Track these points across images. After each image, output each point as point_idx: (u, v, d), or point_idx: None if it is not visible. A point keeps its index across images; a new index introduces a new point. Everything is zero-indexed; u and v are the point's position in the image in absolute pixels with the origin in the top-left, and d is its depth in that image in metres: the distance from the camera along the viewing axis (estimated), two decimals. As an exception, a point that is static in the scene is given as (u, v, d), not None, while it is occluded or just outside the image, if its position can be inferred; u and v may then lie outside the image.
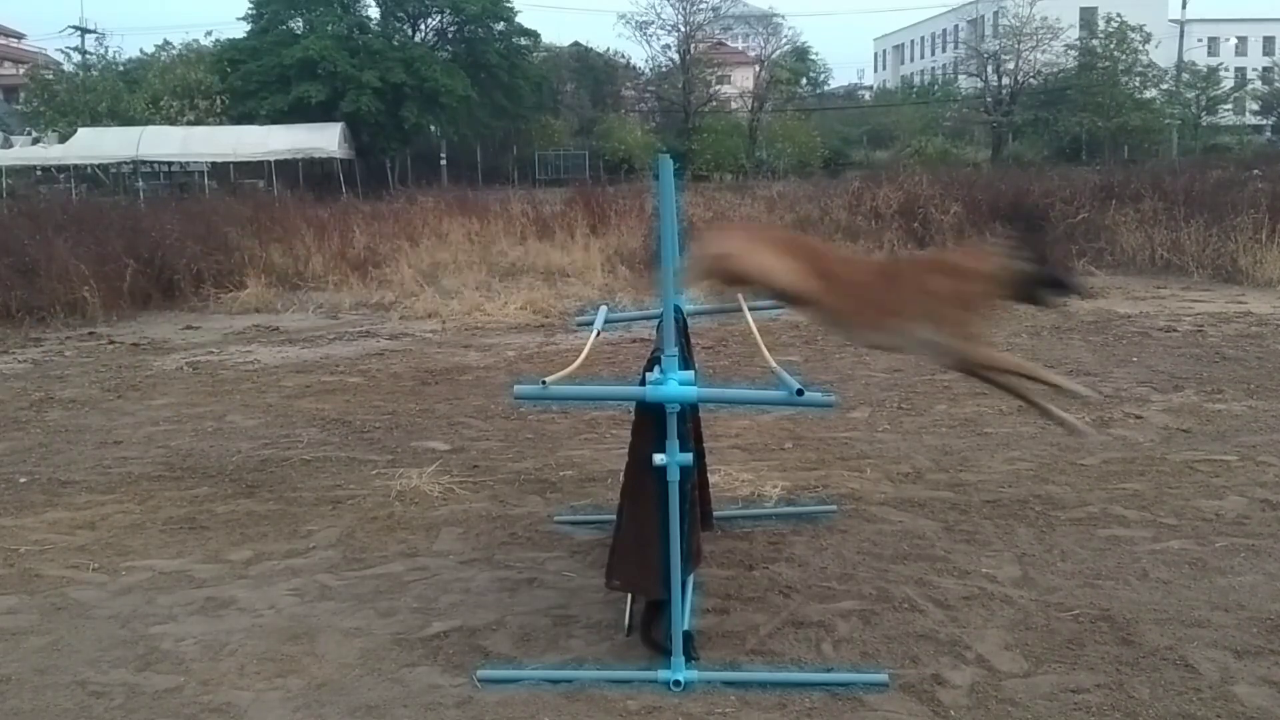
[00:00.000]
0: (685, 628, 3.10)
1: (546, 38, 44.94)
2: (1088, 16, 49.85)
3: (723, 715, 2.87)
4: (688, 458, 3.01)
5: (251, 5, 39.14)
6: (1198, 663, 3.05)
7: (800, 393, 2.79)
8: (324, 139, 34.06)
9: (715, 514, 4.35)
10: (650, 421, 3.01)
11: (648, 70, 48.90)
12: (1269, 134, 50.08)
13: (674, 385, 2.96)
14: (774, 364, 2.96)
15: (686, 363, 3.37)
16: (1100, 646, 3.17)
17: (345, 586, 3.86)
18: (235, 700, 3.04)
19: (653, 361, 3.09)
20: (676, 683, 2.97)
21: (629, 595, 3.45)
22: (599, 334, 3.74)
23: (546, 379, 2.94)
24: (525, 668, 3.16)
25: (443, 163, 38.25)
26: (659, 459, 2.97)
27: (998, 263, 3.33)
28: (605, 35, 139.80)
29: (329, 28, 37.59)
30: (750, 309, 3.77)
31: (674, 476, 3.00)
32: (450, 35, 41.08)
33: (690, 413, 3.27)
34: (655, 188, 3.17)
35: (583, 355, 3.17)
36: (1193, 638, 3.21)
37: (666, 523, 2.99)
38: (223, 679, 3.17)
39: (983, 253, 3.48)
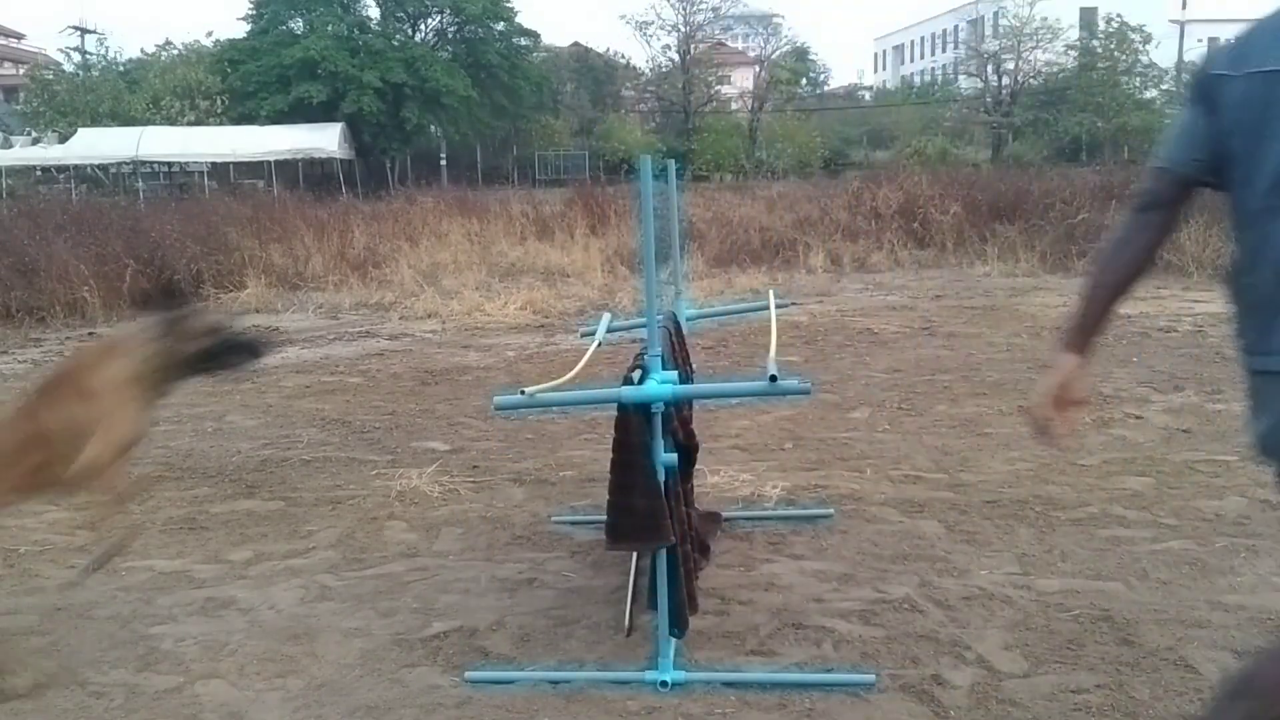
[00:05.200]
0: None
1: (546, 38, 45.03)
2: (1088, 16, 49.83)
3: (723, 715, 2.87)
4: (673, 458, 3.03)
5: (251, 5, 39.15)
6: (1198, 663, 3.05)
7: (774, 379, 2.81)
8: (324, 139, 34.06)
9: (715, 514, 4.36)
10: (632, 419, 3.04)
11: (648, 70, 48.94)
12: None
13: (652, 385, 2.97)
14: (773, 355, 2.99)
15: (677, 365, 3.39)
16: (1100, 646, 3.17)
17: (345, 586, 3.86)
18: (235, 700, 3.04)
19: (635, 365, 3.10)
20: (664, 683, 2.98)
21: (629, 597, 3.46)
22: (599, 345, 3.74)
23: (529, 388, 2.97)
24: (520, 669, 3.16)
25: (443, 163, 38.26)
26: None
27: (134, 356, 2.91)
28: (605, 35, 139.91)
29: (329, 28, 37.58)
30: (751, 309, 3.78)
31: (660, 477, 3.00)
32: (450, 35, 41.08)
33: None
34: (657, 189, 3.17)
35: (580, 365, 3.18)
36: (1193, 638, 3.20)
37: (647, 467, 2.99)
38: (223, 679, 3.17)
39: (112, 350, 2.99)
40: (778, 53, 50.01)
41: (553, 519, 4.48)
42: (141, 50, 51.60)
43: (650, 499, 2.97)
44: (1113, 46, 43.36)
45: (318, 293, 12.59)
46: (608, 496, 3.05)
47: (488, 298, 11.28)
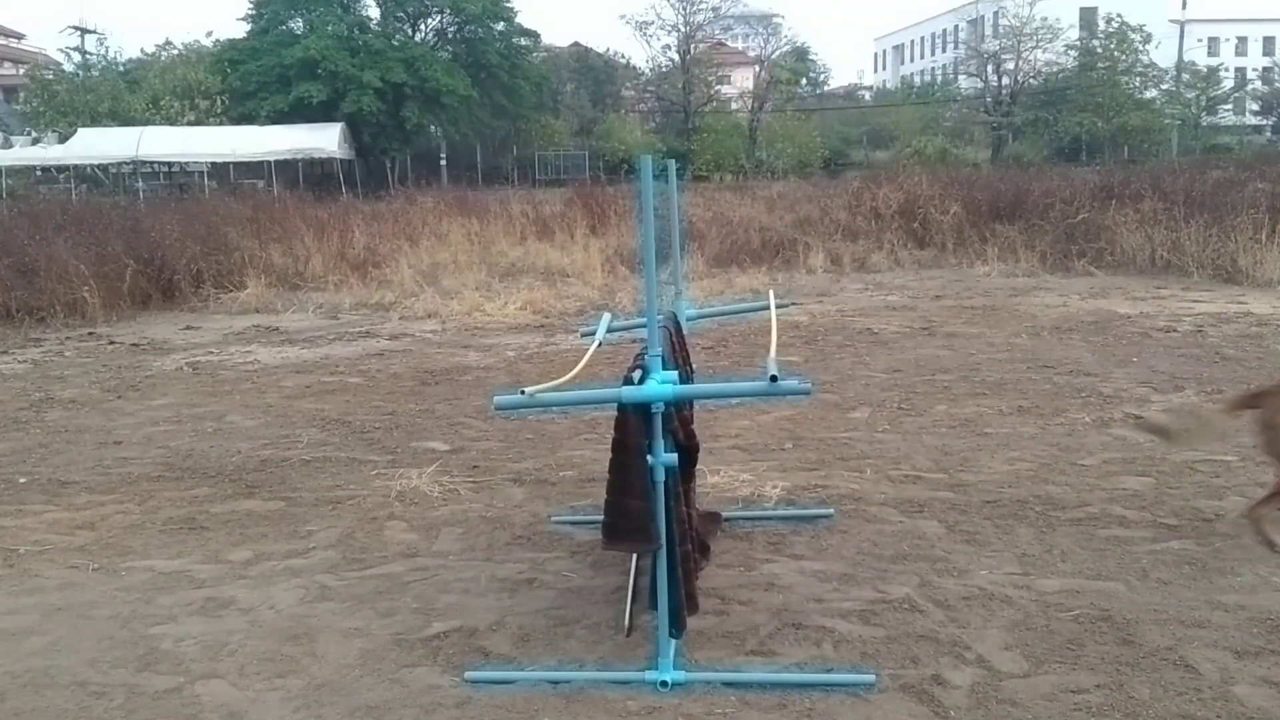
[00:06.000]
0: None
1: (546, 38, 45.02)
2: (1088, 16, 49.84)
3: (723, 715, 2.87)
4: (673, 458, 3.03)
5: (251, 5, 39.14)
6: (1198, 663, 3.05)
7: (774, 379, 2.81)
8: (324, 139, 34.07)
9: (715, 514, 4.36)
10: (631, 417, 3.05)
11: (648, 70, 48.96)
12: (1269, 134, 50.06)
13: (652, 385, 2.97)
14: (773, 355, 2.99)
15: (677, 365, 3.40)
16: (1100, 646, 3.17)
17: (345, 586, 3.86)
18: (235, 700, 3.04)
19: (636, 365, 3.11)
20: (664, 683, 2.98)
21: (629, 597, 3.46)
22: (599, 345, 3.74)
23: (529, 388, 2.97)
24: (520, 669, 3.16)
25: (443, 163, 38.27)
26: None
27: None
28: (605, 35, 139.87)
29: (329, 28, 37.58)
30: (751, 309, 3.78)
31: (660, 477, 3.00)
32: (450, 35, 41.09)
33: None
34: (657, 189, 3.17)
35: (580, 365, 3.18)
36: (1193, 638, 3.21)
37: (645, 469, 3.00)
38: (223, 679, 3.17)
39: None
40: (778, 53, 50.03)
41: (553, 519, 4.48)
42: (141, 50, 51.69)
43: (643, 501, 2.97)
44: (1112, 46, 43.41)
45: (318, 293, 12.59)
46: (605, 496, 3.05)
47: (488, 298, 11.29)
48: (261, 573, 4.01)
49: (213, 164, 34.36)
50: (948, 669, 3.06)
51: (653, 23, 48.16)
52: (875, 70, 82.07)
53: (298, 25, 38.61)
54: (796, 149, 41.53)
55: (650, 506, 2.97)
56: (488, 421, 6.20)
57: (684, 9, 44.81)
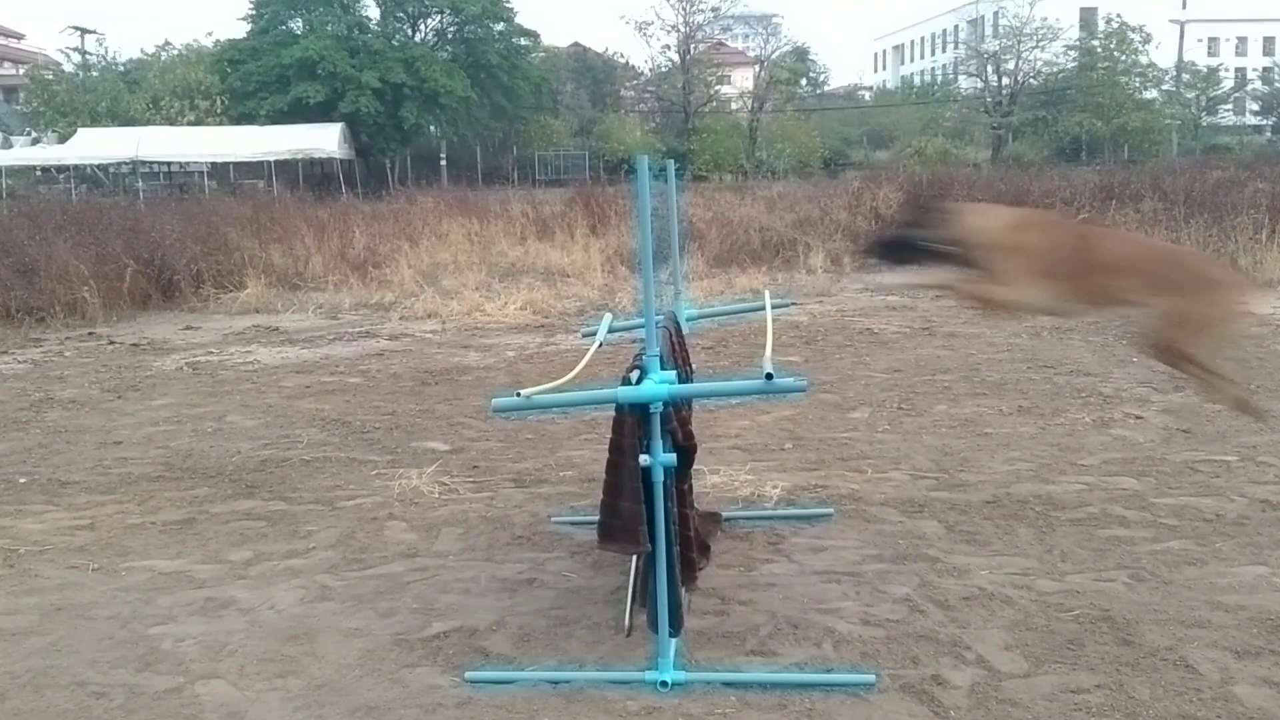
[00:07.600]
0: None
1: (546, 38, 44.98)
2: (1088, 16, 49.85)
3: (723, 715, 2.87)
4: (672, 458, 3.03)
5: (251, 5, 39.14)
6: (1198, 663, 3.05)
7: (769, 377, 2.81)
8: (324, 139, 34.05)
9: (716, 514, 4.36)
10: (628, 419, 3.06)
11: (647, 71, 48.93)
12: (1269, 134, 50.05)
13: (648, 385, 2.97)
14: (769, 354, 3.00)
15: (676, 365, 3.41)
16: (1100, 646, 3.17)
17: (345, 587, 3.86)
18: (235, 700, 3.04)
19: (634, 366, 3.12)
20: (664, 683, 2.98)
21: (629, 597, 3.46)
22: (600, 345, 3.74)
23: (526, 389, 2.97)
24: (520, 669, 3.16)
25: (442, 163, 38.26)
26: (645, 460, 3.00)
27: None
28: (605, 35, 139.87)
29: (329, 28, 37.54)
30: (750, 309, 3.79)
31: (658, 477, 3.01)
32: (450, 35, 41.06)
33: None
34: (656, 189, 3.17)
35: (580, 365, 3.18)
36: (1193, 638, 3.21)
37: (637, 471, 3.01)
38: (223, 679, 3.17)
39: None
40: (778, 53, 49.98)
41: (553, 519, 4.48)
42: (141, 50, 51.61)
43: (634, 503, 2.98)
44: (1112, 46, 43.41)
45: (318, 293, 12.58)
46: (602, 496, 3.06)
47: (488, 298, 11.28)
48: (261, 573, 4.01)
49: (213, 164, 34.35)
50: (948, 669, 3.06)
51: (652, 23, 48.09)
52: (875, 70, 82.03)
53: (297, 25, 38.58)
54: (796, 149, 41.47)
55: (641, 509, 2.98)
56: (488, 421, 6.20)
57: (684, 9, 44.75)
